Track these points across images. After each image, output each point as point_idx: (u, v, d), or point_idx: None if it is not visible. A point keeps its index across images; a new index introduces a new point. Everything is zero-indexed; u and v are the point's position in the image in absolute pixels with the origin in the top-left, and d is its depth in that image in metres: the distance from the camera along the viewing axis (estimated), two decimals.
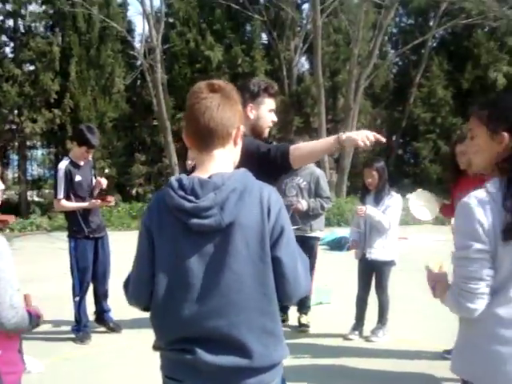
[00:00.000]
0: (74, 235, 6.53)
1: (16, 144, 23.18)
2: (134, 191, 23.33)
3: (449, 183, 6.01)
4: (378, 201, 6.37)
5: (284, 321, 6.78)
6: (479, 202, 2.32)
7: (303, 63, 26.76)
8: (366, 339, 6.44)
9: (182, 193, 2.15)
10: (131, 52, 23.16)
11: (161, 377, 2.32)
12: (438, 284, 2.55)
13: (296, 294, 2.27)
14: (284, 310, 6.79)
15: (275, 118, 3.58)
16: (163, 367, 2.29)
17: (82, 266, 6.50)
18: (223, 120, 2.21)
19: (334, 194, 18.30)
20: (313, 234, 6.95)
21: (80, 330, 6.53)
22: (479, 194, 2.37)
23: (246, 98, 3.34)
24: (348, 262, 8.28)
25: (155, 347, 2.32)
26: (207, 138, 2.23)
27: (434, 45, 26.45)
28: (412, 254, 11.29)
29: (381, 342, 6.41)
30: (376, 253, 6.32)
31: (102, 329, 6.92)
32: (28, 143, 23.40)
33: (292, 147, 3.17)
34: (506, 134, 2.40)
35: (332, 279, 9.39)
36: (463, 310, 2.36)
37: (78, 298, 6.50)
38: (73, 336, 6.55)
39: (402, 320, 7.01)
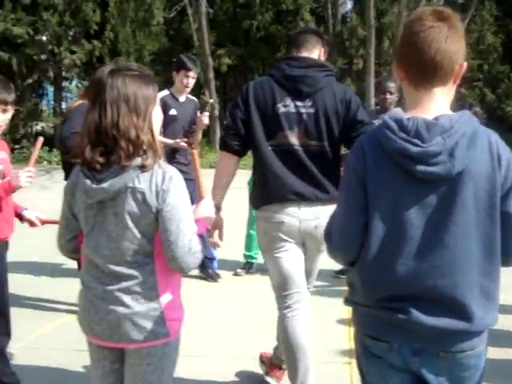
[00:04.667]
0: None
1: (51, 75, 22.65)
2: None
3: None
4: None
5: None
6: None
7: (347, 2, 25.85)
8: None
9: (404, 135, 1.90)
10: None
11: (354, 336, 2.15)
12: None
13: None
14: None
15: None
16: (364, 326, 2.08)
17: None
18: (450, 54, 1.94)
19: None
20: None
21: None
22: None
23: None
24: None
25: (350, 302, 2.12)
26: (430, 72, 1.95)
27: None
28: None
29: None
30: None
31: None
32: (64, 74, 22.87)
33: None
34: None
35: None
36: None
37: None
38: None
39: None
